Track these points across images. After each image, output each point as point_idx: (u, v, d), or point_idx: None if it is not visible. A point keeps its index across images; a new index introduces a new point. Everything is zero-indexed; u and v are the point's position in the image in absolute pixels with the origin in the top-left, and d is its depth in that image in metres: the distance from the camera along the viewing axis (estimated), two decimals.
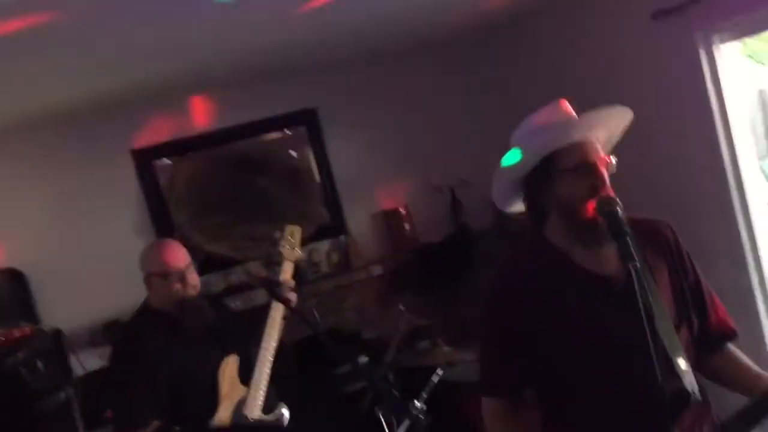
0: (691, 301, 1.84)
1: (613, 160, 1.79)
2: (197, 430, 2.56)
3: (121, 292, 3.82)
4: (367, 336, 4.79)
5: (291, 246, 3.01)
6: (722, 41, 3.40)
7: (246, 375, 2.73)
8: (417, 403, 3.61)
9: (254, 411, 2.65)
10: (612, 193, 1.73)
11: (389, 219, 4.97)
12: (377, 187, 5.01)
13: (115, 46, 2.92)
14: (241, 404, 2.67)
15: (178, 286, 2.74)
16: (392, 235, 4.96)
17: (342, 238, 4.91)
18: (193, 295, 2.79)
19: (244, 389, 2.70)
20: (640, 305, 1.55)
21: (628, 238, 1.61)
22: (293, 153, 4.82)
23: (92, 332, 4.22)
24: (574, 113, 1.88)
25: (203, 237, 4.49)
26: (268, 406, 2.72)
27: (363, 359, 4.41)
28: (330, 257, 4.82)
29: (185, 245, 4.00)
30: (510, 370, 1.86)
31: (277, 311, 2.80)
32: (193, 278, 2.83)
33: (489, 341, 1.92)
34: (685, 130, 3.64)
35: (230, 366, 2.74)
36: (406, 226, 4.95)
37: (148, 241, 4.47)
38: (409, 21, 4.00)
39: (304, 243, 4.61)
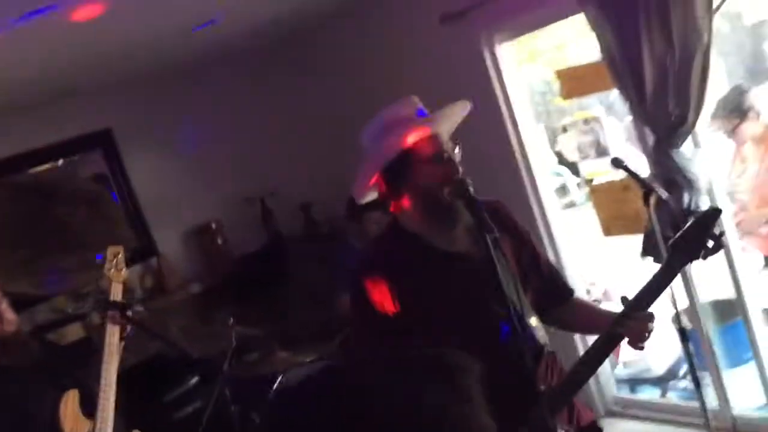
0: (532, 268, 2.09)
1: (457, 149, 1.98)
2: None
3: None
4: (197, 355, 4.68)
5: (117, 267, 2.89)
6: (502, 41, 3.79)
7: (89, 408, 2.59)
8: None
9: None
10: (463, 178, 1.92)
11: (201, 235, 4.89)
12: (185, 204, 4.90)
13: None
14: None
15: None
16: (206, 251, 4.88)
17: (153, 260, 4.75)
18: (11, 332, 2.57)
19: (89, 423, 2.55)
20: (499, 273, 1.74)
21: (484, 213, 1.80)
22: (89, 179, 4.57)
23: None
24: (422, 107, 2.04)
25: (1, 277, 4.11)
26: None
27: (194, 380, 4.32)
28: (143, 281, 4.65)
29: None
30: (378, 345, 1.97)
31: (113, 335, 2.68)
32: (9, 313, 2.61)
33: (359, 324, 2.03)
34: (477, 125, 3.99)
35: (70, 401, 2.56)
36: (219, 241, 4.90)
37: None
38: (200, 32, 3.96)
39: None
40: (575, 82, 3.51)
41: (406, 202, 2.00)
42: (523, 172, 3.87)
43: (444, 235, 1.98)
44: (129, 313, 2.65)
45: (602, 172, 3.66)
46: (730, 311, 3.56)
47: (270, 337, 4.21)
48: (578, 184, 5.07)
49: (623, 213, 3.50)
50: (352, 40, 4.64)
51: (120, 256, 2.96)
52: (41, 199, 4.31)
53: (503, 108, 3.81)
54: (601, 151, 3.59)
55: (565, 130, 4.28)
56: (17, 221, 4.22)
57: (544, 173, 3.94)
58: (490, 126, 3.87)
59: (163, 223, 4.82)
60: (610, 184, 3.54)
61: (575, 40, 4.09)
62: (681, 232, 1.94)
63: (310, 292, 5.01)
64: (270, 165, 5.08)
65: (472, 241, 1.97)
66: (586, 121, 3.70)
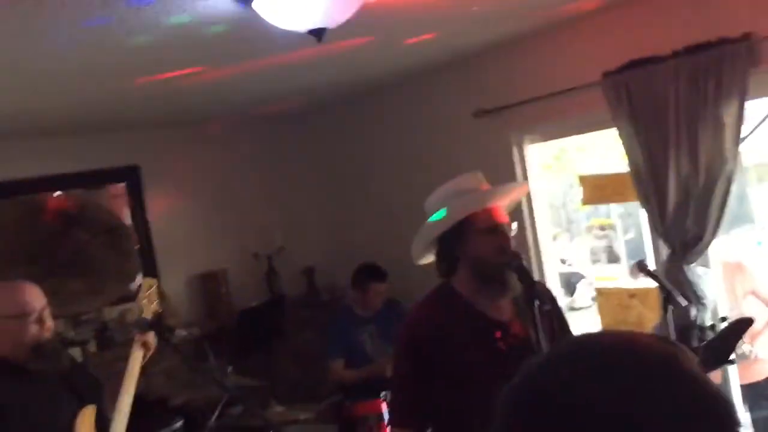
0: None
1: (514, 225, 2.14)
2: None
3: None
4: (176, 402, 4.66)
5: (149, 299, 2.97)
6: (532, 141, 4.03)
7: (102, 426, 2.62)
8: None
9: None
10: (517, 252, 2.07)
11: (206, 282, 4.96)
12: (195, 250, 5.00)
13: None
14: None
15: (35, 327, 2.56)
16: (209, 299, 4.94)
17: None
18: (48, 338, 2.63)
19: None
20: (540, 341, 1.87)
21: (536, 286, 1.94)
22: (113, 210, 4.68)
23: None
24: (485, 183, 2.21)
25: None
26: None
27: (178, 423, 4.30)
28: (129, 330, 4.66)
29: None
30: (418, 402, 2.07)
31: (136, 360, 2.74)
32: (49, 320, 2.67)
33: (401, 377, 2.12)
34: None
35: (88, 416, 2.59)
36: (223, 291, 4.97)
37: None
38: (246, 93, 4.17)
39: (118, 303, 4.49)
40: (597, 190, 3.72)
41: (460, 269, 2.14)
42: (535, 268, 4.03)
43: (491, 303, 2.11)
44: (168, 336, 2.71)
45: (610, 278, 3.83)
46: None
47: (266, 391, 4.24)
48: (583, 284, 5.27)
49: (626, 319, 3.65)
50: (387, 116, 4.87)
51: (154, 288, 3.04)
52: (64, 221, 4.39)
53: (524, 205, 4.01)
54: (612, 258, 3.77)
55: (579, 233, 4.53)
56: (37, 239, 4.29)
57: (554, 273, 4.11)
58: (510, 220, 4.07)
59: (172, 265, 4.90)
60: (617, 290, 3.71)
61: (600, 146, 4.34)
62: (717, 334, 2.09)
63: (302, 354, 5.06)
64: (283, 226, 5.22)
65: (516, 312, 2.10)
66: (602, 228, 3.91)
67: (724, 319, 2.30)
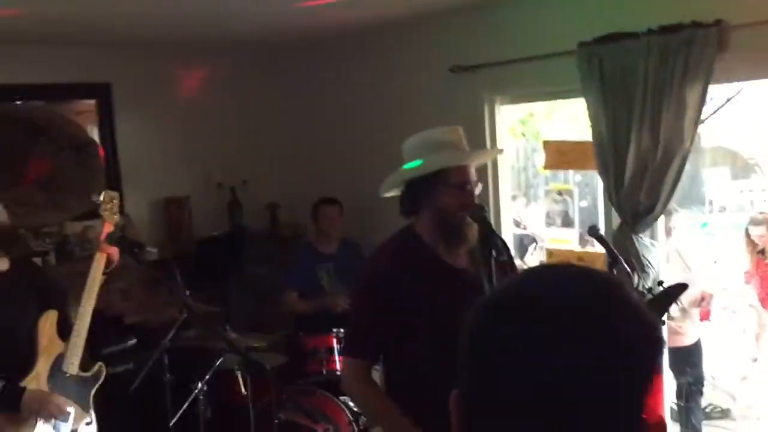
0: None
1: (480, 185, 2.26)
2: (18, 389, 2.47)
3: None
4: (131, 320, 4.75)
5: (111, 210, 3.05)
6: (502, 103, 4.14)
7: (64, 332, 2.71)
8: (200, 385, 3.79)
9: (73, 367, 2.65)
10: (480, 203, 2.20)
11: (169, 207, 5.01)
12: (160, 175, 5.02)
13: None
14: (59, 359, 2.64)
15: None
16: (170, 223, 5.00)
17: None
18: (7, 225, 2.70)
19: (62, 345, 2.68)
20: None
21: (496, 237, 2.07)
22: (81, 126, 4.66)
23: None
24: (463, 139, 2.31)
25: None
26: (84, 364, 2.73)
27: (132, 341, 4.40)
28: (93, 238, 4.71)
29: None
30: (374, 336, 2.20)
31: (99, 268, 2.83)
32: (3, 214, 2.72)
33: (360, 311, 2.25)
34: None
35: (50, 320, 2.69)
36: (185, 217, 5.03)
37: None
38: (231, 18, 4.16)
39: (81, 218, 4.52)
40: (559, 155, 3.87)
41: (424, 215, 2.25)
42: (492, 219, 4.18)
43: (450, 250, 2.24)
44: (137, 251, 2.79)
45: (562, 241, 4.01)
46: None
47: (221, 318, 4.35)
48: (535, 248, 5.45)
49: None
50: (364, 61, 4.92)
51: (115, 201, 3.13)
52: (32, 132, 4.38)
53: (489, 165, 4.13)
54: (566, 222, 3.95)
55: (536, 197, 4.69)
56: (2, 147, 4.27)
57: (509, 233, 4.28)
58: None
59: (136, 186, 4.92)
60: (568, 252, 3.89)
61: (564, 114, 4.48)
62: (653, 296, 2.26)
63: (258, 287, 5.18)
64: (250, 158, 5.27)
65: (470, 260, 2.24)
66: (559, 192, 4.07)
67: (660, 283, 2.48)
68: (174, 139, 5.06)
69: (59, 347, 2.68)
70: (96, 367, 2.80)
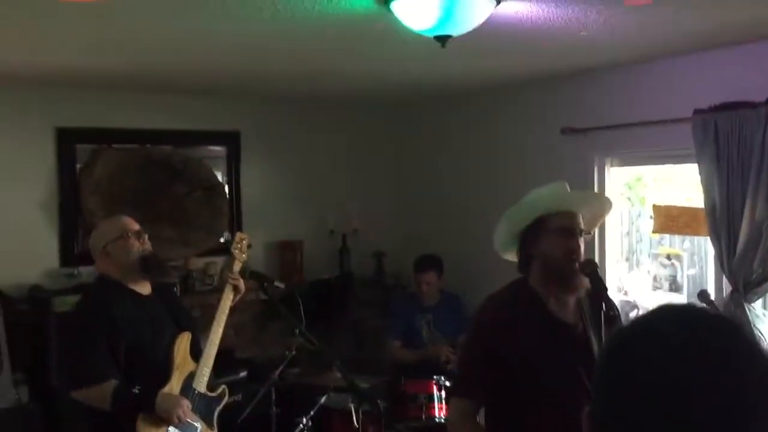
0: None
1: (588, 236, 2.33)
2: (154, 392, 2.72)
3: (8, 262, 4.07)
4: (242, 355, 5.01)
5: (240, 249, 3.30)
6: (612, 165, 4.21)
7: (194, 353, 2.96)
8: (304, 420, 3.96)
9: (201, 385, 2.89)
10: (592, 260, 2.28)
11: (283, 250, 5.29)
12: (278, 219, 5.33)
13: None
14: (190, 377, 2.88)
15: (137, 243, 2.91)
16: (283, 266, 5.27)
17: None
18: (152, 252, 2.97)
19: (194, 364, 2.92)
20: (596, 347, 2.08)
21: (607, 293, 2.15)
22: (213, 169, 5.05)
23: None
24: (569, 190, 2.42)
25: None
26: (209, 387, 2.97)
27: (243, 374, 4.65)
28: (222, 273, 5.00)
29: (88, 232, 4.24)
30: (481, 380, 2.29)
31: (228, 300, 3.09)
32: (148, 242, 3.00)
33: (468, 355, 2.35)
34: None
35: (185, 341, 2.93)
36: (297, 260, 5.29)
37: (49, 218, 4.50)
38: (351, 81, 4.45)
39: (204, 255, 4.84)
40: (669, 220, 3.89)
41: (534, 266, 2.32)
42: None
43: (559, 303, 2.28)
44: (265, 285, 3.03)
45: None
46: None
47: (328, 356, 4.53)
48: (637, 315, 5.41)
49: None
50: (476, 121, 5.11)
51: (245, 241, 3.38)
52: (168, 173, 4.77)
53: (597, 230, 4.18)
54: (674, 288, 3.93)
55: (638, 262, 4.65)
56: (142, 187, 4.68)
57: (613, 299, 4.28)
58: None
59: (255, 228, 5.19)
60: None
61: (674, 180, 4.48)
62: None
63: (361, 331, 5.35)
64: (362, 208, 5.52)
65: (579, 314, 2.30)
66: (668, 257, 4.06)
67: None
68: (293, 187, 5.38)
69: (191, 366, 2.92)
70: (220, 389, 3.02)
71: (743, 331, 0.90)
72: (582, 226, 2.31)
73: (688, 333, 0.87)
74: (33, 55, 3.53)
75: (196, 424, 2.81)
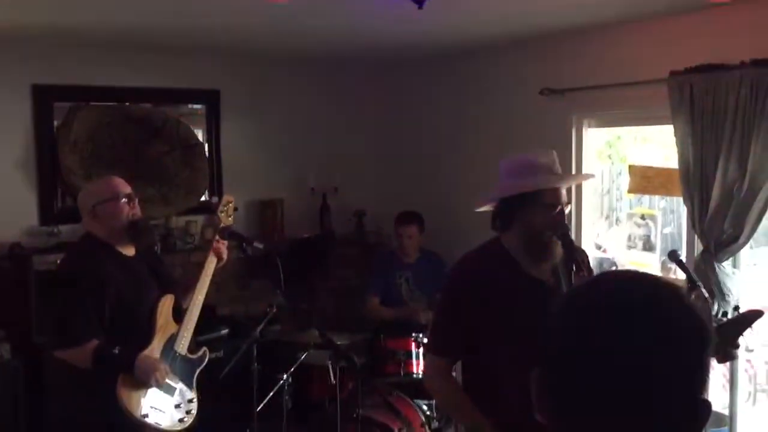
0: None
1: (569, 207, 2.40)
2: (134, 353, 2.76)
3: None
4: (223, 311, 5.07)
5: (227, 212, 3.32)
6: (590, 126, 4.25)
7: (176, 315, 3.00)
8: (285, 376, 4.04)
9: (182, 348, 2.93)
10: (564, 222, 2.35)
11: (264, 209, 5.31)
12: (258, 177, 5.33)
13: None
14: (172, 339, 2.92)
15: (127, 207, 2.91)
16: (263, 224, 5.29)
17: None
18: (141, 216, 2.98)
19: (176, 326, 2.96)
20: None
21: (577, 254, 2.22)
22: (193, 128, 5.02)
23: None
24: (557, 163, 2.46)
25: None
26: (190, 348, 3.01)
27: (224, 331, 4.71)
28: (204, 232, 5.02)
29: (67, 190, 4.21)
30: (457, 337, 2.36)
31: (212, 263, 3.11)
32: (137, 206, 3.00)
33: (444, 313, 2.42)
34: None
35: (168, 303, 2.96)
36: (278, 219, 5.32)
37: (27, 176, 4.48)
38: (338, 35, 4.43)
39: (185, 213, 4.85)
40: (644, 180, 3.95)
41: (513, 231, 2.39)
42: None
43: (534, 264, 2.37)
44: (245, 245, 3.06)
45: (642, 265, 4.08)
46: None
47: (307, 314, 4.61)
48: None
49: None
50: (456, 80, 5.11)
51: (231, 204, 3.39)
52: (147, 131, 4.75)
53: (573, 187, 4.24)
54: (648, 247, 4.01)
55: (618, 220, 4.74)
56: (121, 145, 4.66)
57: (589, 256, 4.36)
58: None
59: (235, 187, 5.21)
60: None
61: (653, 140, 4.54)
62: (724, 322, 2.34)
63: (341, 289, 5.42)
64: (342, 167, 5.54)
65: (552, 276, 2.37)
66: (643, 217, 4.14)
67: (736, 308, 2.55)
68: (273, 145, 5.37)
69: (173, 328, 2.95)
70: (201, 351, 3.07)
71: (679, 298, 0.94)
72: (565, 198, 2.39)
73: (613, 300, 0.94)
74: (9, 12, 3.48)
75: (175, 386, 2.86)
